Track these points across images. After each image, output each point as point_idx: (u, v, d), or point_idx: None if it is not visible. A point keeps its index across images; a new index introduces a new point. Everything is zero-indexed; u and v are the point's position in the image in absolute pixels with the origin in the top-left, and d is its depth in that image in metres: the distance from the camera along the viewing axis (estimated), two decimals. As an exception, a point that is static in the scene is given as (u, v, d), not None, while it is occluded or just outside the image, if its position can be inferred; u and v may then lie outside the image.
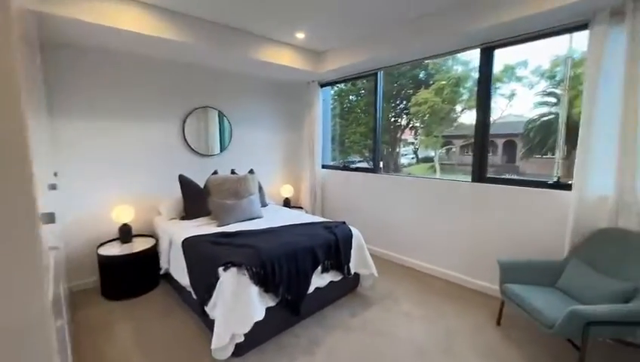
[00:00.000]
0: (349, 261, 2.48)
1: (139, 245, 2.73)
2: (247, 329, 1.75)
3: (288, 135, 4.39)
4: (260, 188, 3.48)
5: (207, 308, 1.92)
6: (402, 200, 3.26)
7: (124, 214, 2.75)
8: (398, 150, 8.55)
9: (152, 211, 3.06)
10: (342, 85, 6.02)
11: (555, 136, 6.10)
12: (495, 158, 6.46)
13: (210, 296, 1.87)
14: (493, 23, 2.19)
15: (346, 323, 2.23)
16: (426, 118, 7.78)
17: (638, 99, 1.83)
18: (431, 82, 7.56)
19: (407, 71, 8.01)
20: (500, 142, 6.51)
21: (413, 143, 8.66)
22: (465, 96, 7.31)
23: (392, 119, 8.35)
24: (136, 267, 2.59)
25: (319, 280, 2.26)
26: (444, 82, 7.26)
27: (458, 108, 7.29)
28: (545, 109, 6.75)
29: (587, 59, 2.02)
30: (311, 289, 2.19)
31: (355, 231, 2.61)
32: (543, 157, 6.62)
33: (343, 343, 2.02)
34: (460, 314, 2.35)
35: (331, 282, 2.35)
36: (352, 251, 2.51)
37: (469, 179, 2.77)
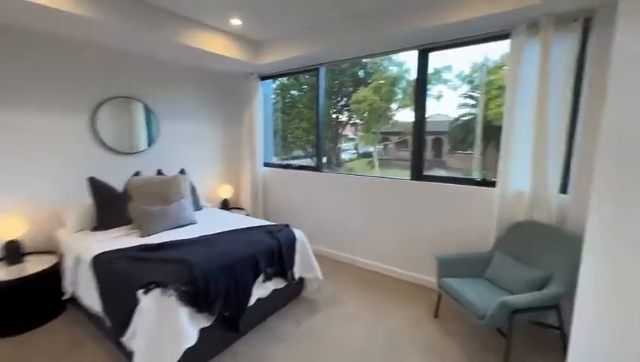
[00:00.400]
0: (293, 266, 2.34)
1: (33, 266, 2.21)
2: (175, 360, 1.50)
3: (227, 130, 4.06)
4: (194, 190, 3.13)
5: (124, 339, 1.60)
6: (345, 198, 3.24)
7: (10, 228, 2.19)
8: (339, 145, 8.82)
9: (54, 222, 2.51)
10: (284, 79, 5.92)
11: (473, 135, 6.84)
12: (425, 154, 7.07)
13: (127, 325, 1.56)
14: (432, 24, 2.23)
15: (292, 334, 2.10)
16: (365, 115, 8.03)
17: (547, 105, 2.03)
18: (370, 81, 7.83)
19: (347, 68, 8.22)
20: (429, 139, 6.91)
21: (353, 139, 8.96)
22: (399, 96, 7.59)
23: (334, 115, 8.63)
24: (29, 293, 2.09)
25: (261, 290, 2.09)
26: (382, 81, 7.60)
27: (394, 106, 7.69)
28: (465, 110, 7.47)
29: (508, 66, 2.17)
30: (252, 300, 1.99)
31: (298, 233, 2.48)
32: (465, 153, 7.38)
33: (289, 357, 1.89)
34: (400, 310, 2.39)
35: (274, 290, 2.19)
36: (296, 255, 2.38)
37: (406, 174, 2.85)
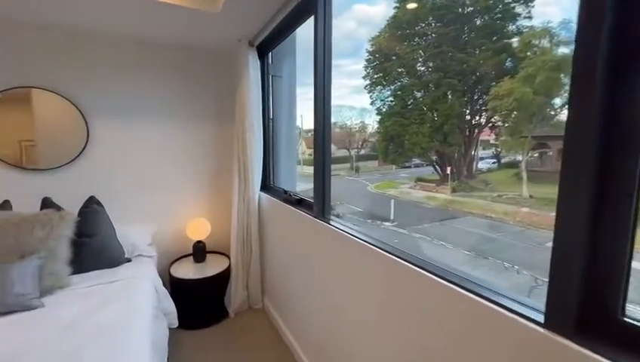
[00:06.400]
0: None
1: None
2: None
3: (218, 134, 2.76)
4: (111, 231, 2.08)
5: None
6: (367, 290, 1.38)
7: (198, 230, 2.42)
8: (473, 153, 7.29)
9: None
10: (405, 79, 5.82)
11: None
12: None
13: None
14: None
15: None
16: (513, 114, 6.31)
17: None
18: (519, 69, 5.98)
19: (488, 57, 6.69)
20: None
21: (496, 145, 7.31)
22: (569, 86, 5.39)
23: (468, 117, 7.29)
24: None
25: None
26: (536, 66, 5.50)
27: (558, 101, 5.46)
28: None
29: None
30: None
31: None
32: None
33: None
34: None
35: None
36: None
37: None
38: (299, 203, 2.04)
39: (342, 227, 1.53)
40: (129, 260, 2.09)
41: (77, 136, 2.27)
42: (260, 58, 2.41)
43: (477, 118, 7.21)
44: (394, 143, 7.73)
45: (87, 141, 2.29)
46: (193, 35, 2.36)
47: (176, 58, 2.58)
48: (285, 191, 2.24)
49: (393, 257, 1.17)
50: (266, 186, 2.62)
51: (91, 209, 1.99)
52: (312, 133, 1.70)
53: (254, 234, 2.51)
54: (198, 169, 2.76)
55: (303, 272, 1.96)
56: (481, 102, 7.07)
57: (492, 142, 7.33)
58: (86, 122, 2.28)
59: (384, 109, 8.23)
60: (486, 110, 6.91)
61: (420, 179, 7.75)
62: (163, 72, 2.54)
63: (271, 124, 2.61)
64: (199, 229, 2.50)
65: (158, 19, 2.07)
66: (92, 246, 1.90)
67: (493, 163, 7.35)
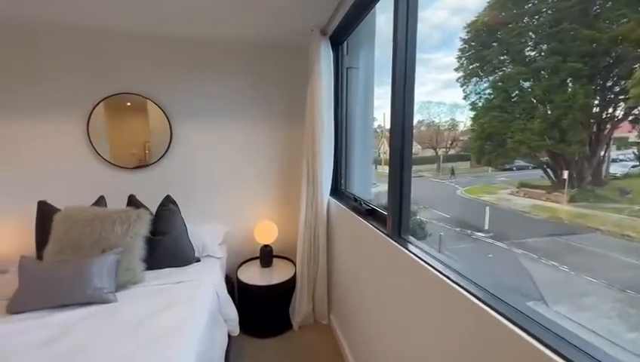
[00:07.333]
0: None
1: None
2: None
3: (282, 133, 2.71)
4: (183, 230, 2.14)
5: None
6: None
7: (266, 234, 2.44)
8: (603, 153, 5.79)
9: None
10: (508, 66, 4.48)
11: None
12: None
13: None
14: None
15: None
16: None
17: None
18: None
19: (631, 30, 5.27)
20: None
21: (638, 144, 5.56)
22: None
23: (596, 109, 5.86)
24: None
25: None
26: None
27: None
28: None
29: None
30: None
31: None
32: None
33: None
34: None
35: None
36: None
37: None
38: (370, 214, 1.73)
39: (422, 255, 1.16)
40: (198, 260, 2.12)
41: (164, 137, 2.45)
42: (333, 49, 2.18)
43: (610, 109, 5.69)
44: (491, 142, 6.81)
45: (170, 142, 2.45)
46: (263, 28, 2.26)
47: (247, 56, 2.56)
48: (355, 199, 1.95)
49: (489, 310, 0.77)
50: (336, 190, 2.39)
51: (167, 208, 2.10)
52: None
53: (322, 243, 2.31)
54: (268, 170, 2.71)
55: (370, 297, 1.64)
56: (617, 89, 5.55)
57: (633, 139, 5.71)
58: (170, 124, 2.44)
59: (480, 104, 7.11)
60: (625, 99, 5.34)
61: (523, 185, 6.59)
62: (235, 71, 2.54)
63: (344, 121, 2.35)
64: (267, 233, 2.44)
65: (228, 14, 2.02)
66: (165, 245, 1.99)
67: (634, 166, 5.73)
